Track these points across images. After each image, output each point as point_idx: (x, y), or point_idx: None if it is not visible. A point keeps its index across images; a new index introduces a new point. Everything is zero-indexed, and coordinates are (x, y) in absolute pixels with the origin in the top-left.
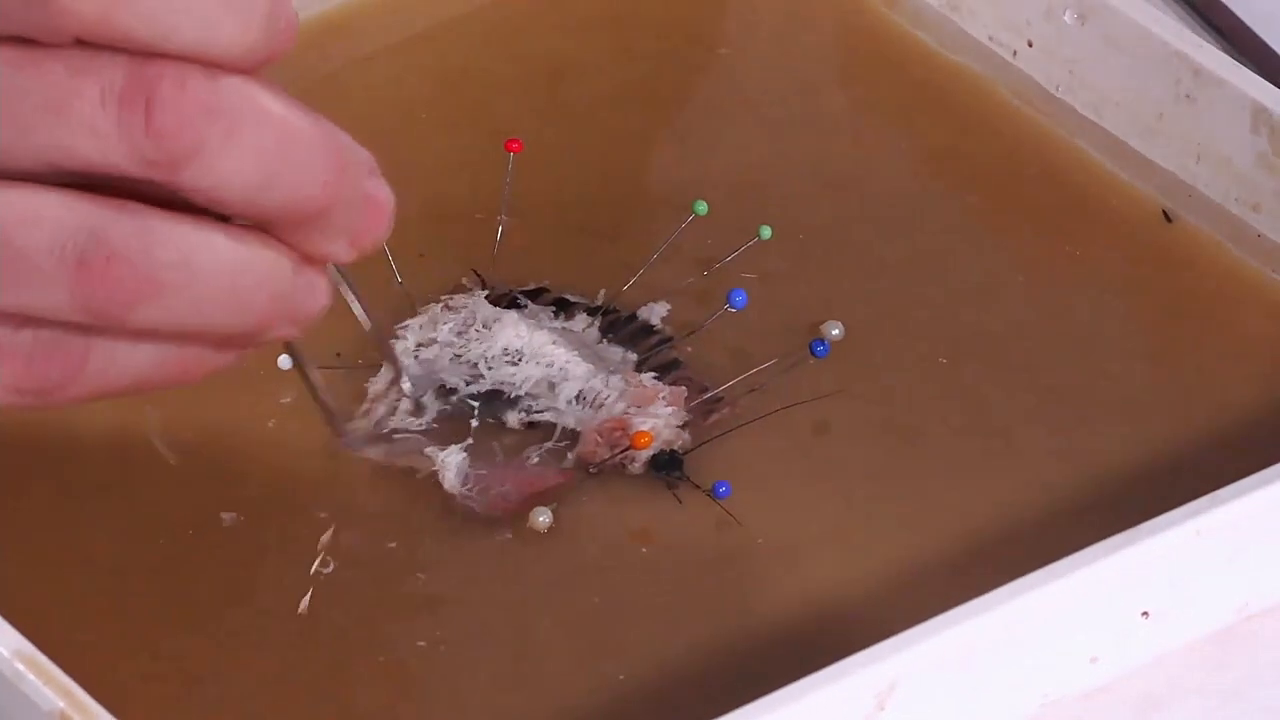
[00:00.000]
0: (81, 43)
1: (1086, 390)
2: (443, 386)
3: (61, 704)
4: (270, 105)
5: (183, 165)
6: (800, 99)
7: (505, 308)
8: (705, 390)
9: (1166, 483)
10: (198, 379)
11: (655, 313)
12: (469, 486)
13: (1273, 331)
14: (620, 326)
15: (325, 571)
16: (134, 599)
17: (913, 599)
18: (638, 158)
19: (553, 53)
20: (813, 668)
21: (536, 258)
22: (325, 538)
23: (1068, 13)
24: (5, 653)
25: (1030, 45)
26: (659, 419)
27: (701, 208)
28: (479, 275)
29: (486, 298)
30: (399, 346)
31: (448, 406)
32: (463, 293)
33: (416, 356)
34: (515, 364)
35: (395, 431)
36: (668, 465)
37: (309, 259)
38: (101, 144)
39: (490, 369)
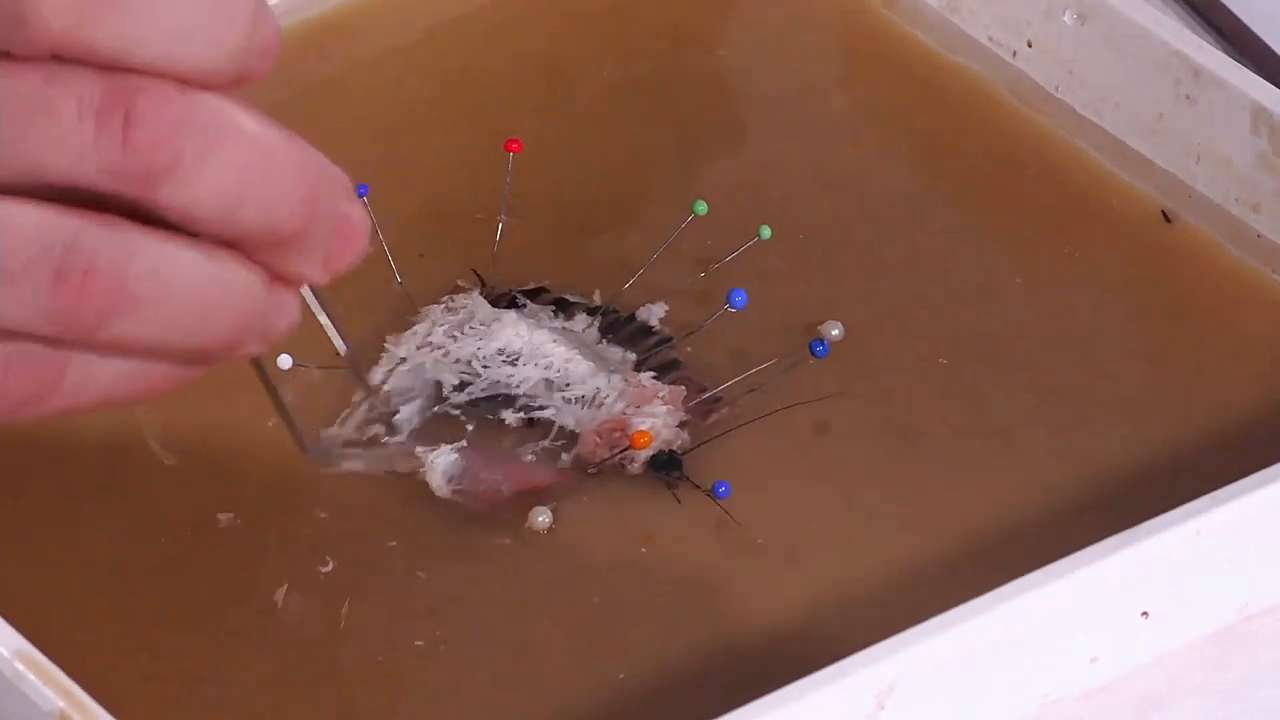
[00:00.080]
0: (58, 58)
1: (1086, 390)
2: (438, 387)
3: (61, 704)
4: (247, 123)
5: (158, 181)
6: (800, 99)
7: (505, 308)
8: (705, 390)
9: (1166, 483)
10: (164, 394)
11: (654, 313)
12: (458, 479)
13: (1273, 331)
14: (620, 326)
15: (326, 571)
16: (134, 599)
17: (913, 599)
18: (638, 158)
19: (553, 53)
20: (813, 668)
21: (536, 258)
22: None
23: (1067, 13)
24: (5, 653)
25: (1030, 45)
26: (656, 418)
27: (701, 208)
28: (479, 275)
29: (486, 298)
30: (385, 358)
31: (440, 409)
32: (461, 294)
33: (400, 367)
34: (513, 364)
35: (372, 440)
36: (667, 465)
37: (281, 278)
38: (77, 157)
39: (486, 368)
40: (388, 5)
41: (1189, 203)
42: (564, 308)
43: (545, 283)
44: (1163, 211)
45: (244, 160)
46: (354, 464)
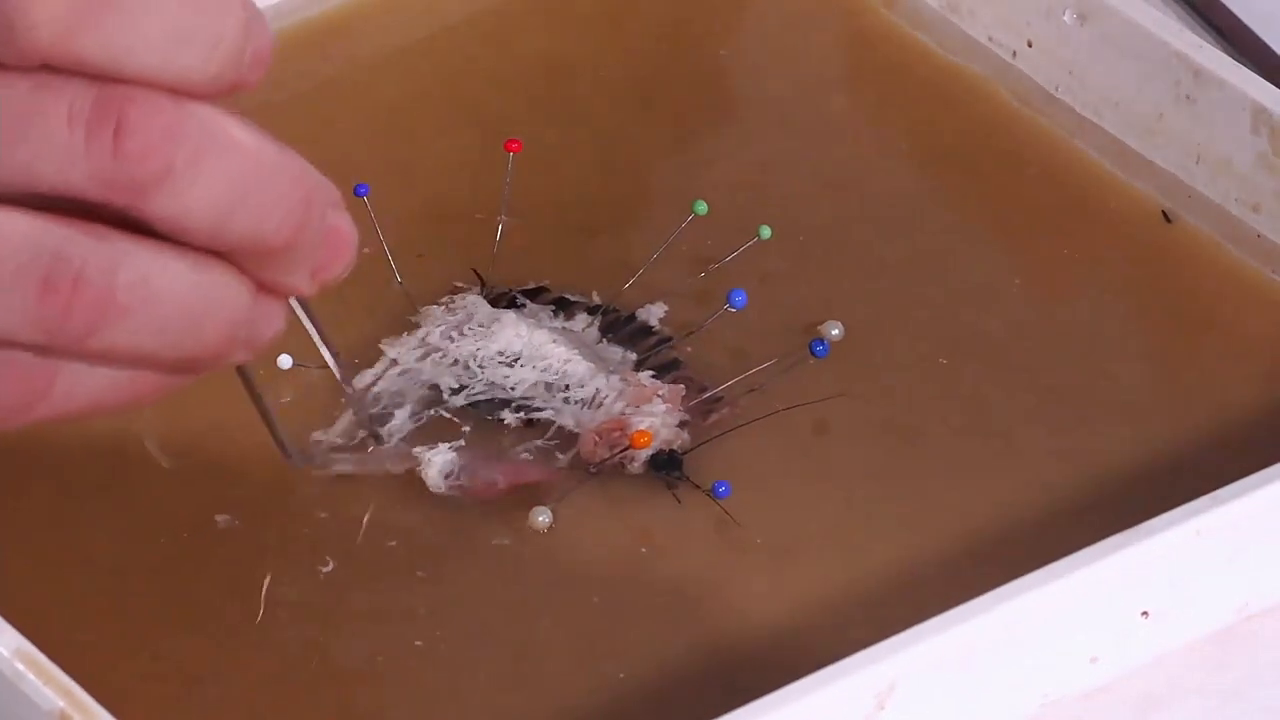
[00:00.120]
0: (49, 68)
1: (1086, 390)
2: (436, 390)
3: (61, 704)
4: (238, 134)
5: (148, 190)
6: (800, 99)
7: (505, 308)
8: (705, 390)
9: (1166, 483)
10: (153, 401)
11: (654, 313)
12: (453, 477)
13: (1273, 331)
14: (620, 326)
15: (326, 571)
16: (134, 599)
17: (912, 599)
18: (638, 158)
19: (552, 53)
20: (813, 667)
21: (536, 258)
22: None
23: (1067, 13)
24: (5, 653)
25: (1030, 46)
26: (655, 417)
27: (701, 208)
28: (479, 275)
29: (486, 297)
30: (379, 362)
31: (436, 410)
32: (460, 294)
33: (391, 370)
34: (511, 366)
35: (361, 445)
36: (667, 465)
37: (269, 289)
38: (67, 166)
39: (483, 369)
40: (388, 5)
41: (1189, 203)
42: (564, 307)
43: (545, 283)
44: (1163, 211)
45: (234, 171)
46: (343, 467)
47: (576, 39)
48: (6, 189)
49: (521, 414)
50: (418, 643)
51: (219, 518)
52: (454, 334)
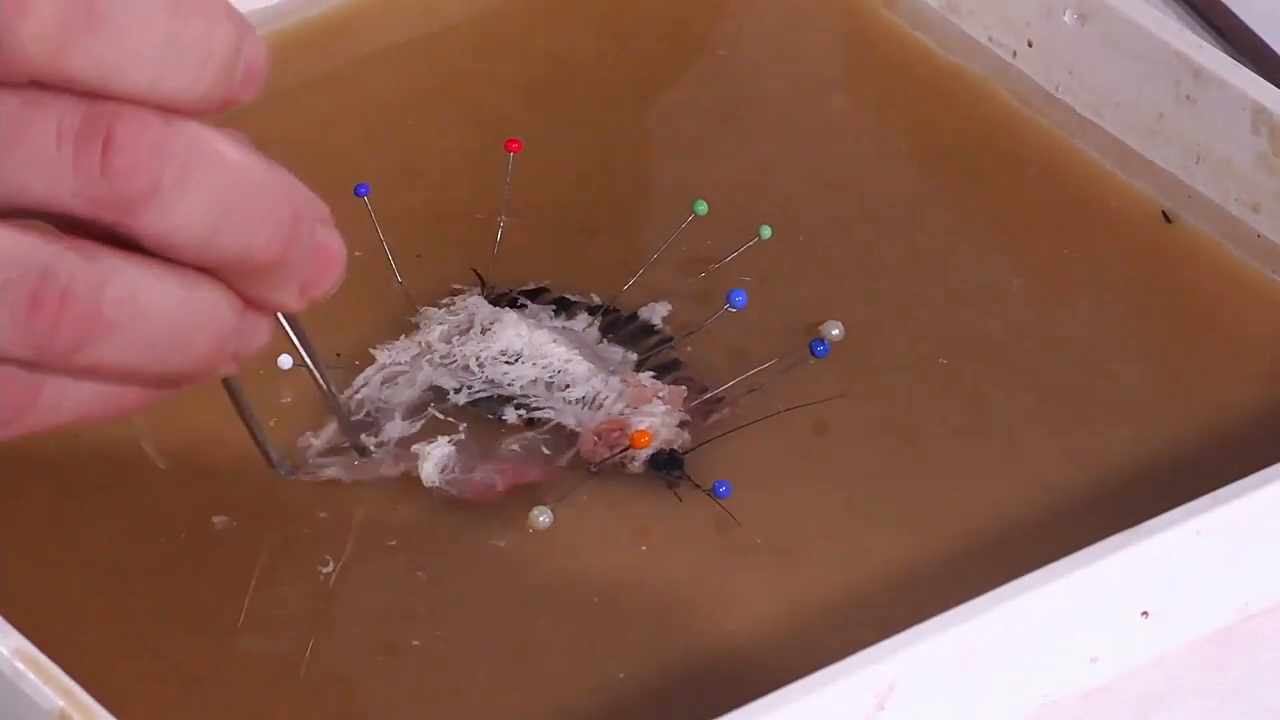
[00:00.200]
0: (38, 84)
1: (1086, 390)
2: (437, 391)
3: (61, 704)
4: (227, 151)
5: (136, 207)
6: (800, 99)
7: (505, 308)
8: (705, 390)
9: (1166, 483)
10: (138, 411)
11: (656, 313)
12: (448, 474)
13: (1273, 331)
14: (620, 326)
15: (326, 571)
16: (134, 599)
17: (913, 599)
18: (638, 158)
19: (552, 53)
20: (813, 667)
21: (536, 258)
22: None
23: (1068, 13)
24: (5, 653)
25: (1030, 45)
26: (654, 417)
27: (701, 208)
28: (479, 275)
29: (486, 297)
30: (371, 367)
31: (432, 410)
32: (460, 294)
33: (383, 373)
34: (511, 364)
35: (347, 451)
36: (668, 464)
37: (257, 305)
38: (55, 182)
39: (483, 367)
40: (388, 5)
41: (1189, 203)
42: (565, 307)
43: (545, 283)
44: (1163, 211)
45: (222, 188)
46: (333, 473)
47: (576, 39)
48: None
49: (522, 412)
50: (417, 642)
51: (216, 519)
52: (454, 335)
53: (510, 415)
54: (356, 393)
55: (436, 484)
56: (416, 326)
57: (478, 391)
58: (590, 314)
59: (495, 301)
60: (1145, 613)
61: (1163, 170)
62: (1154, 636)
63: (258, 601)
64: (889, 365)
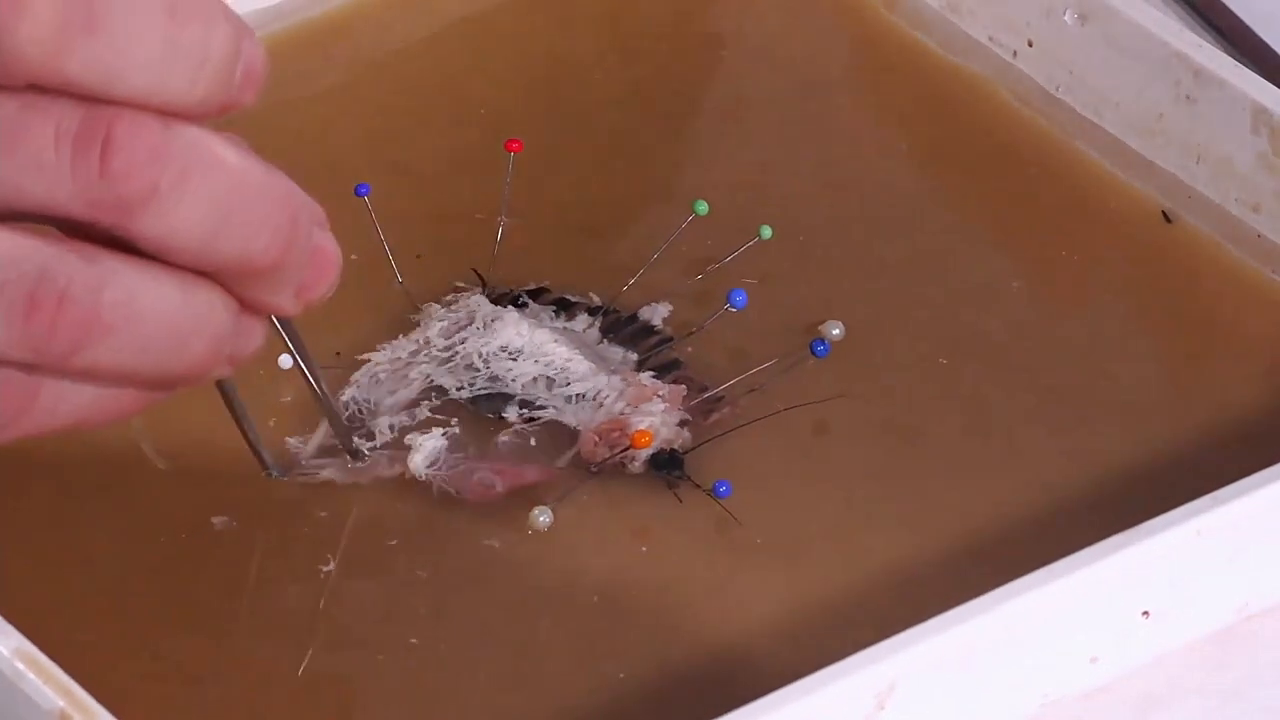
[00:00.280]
0: (37, 88)
1: (1086, 390)
2: (438, 390)
3: (61, 703)
4: (225, 155)
5: (135, 210)
6: (800, 99)
7: (507, 306)
8: (705, 390)
9: (1166, 483)
10: (135, 414)
11: (657, 313)
12: (440, 468)
13: (1273, 331)
14: (621, 327)
15: (326, 570)
16: (134, 599)
17: (913, 599)
18: (638, 158)
19: (553, 53)
20: (813, 668)
21: (536, 258)
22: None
23: (1068, 13)
24: (5, 652)
25: (1030, 45)
26: (655, 417)
27: (701, 208)
28: (479, 275)
29: (488, 297)
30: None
31: (428, 407)
32: (461, 294)
33: (380, 371)
34: (514, 360)
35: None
36: (668, 464)
37: (253, 308)
38: (53, 185)
39: (487, 364)
40: (389, 6)
41: (1189, 203)
42: (565, 308)
43: (546, 283)
44: (1163, 211)
45: (221, 191)
46: (327, 474)
47: (576, 39)
48: None
49: (524, 411)
50: (416, 642)
51: (216, 519)
52: (455, 332)
53: (512, 414)
54: (348, 391)
55: (424, 476)
56: (417, 326)
57: (480, 389)
58: (590, 314)
59: (497, 301)
60: (1145, 613)
61: (1163, 170)
62: (1154, 636)
63: (258, 601)
64: (889, 365)
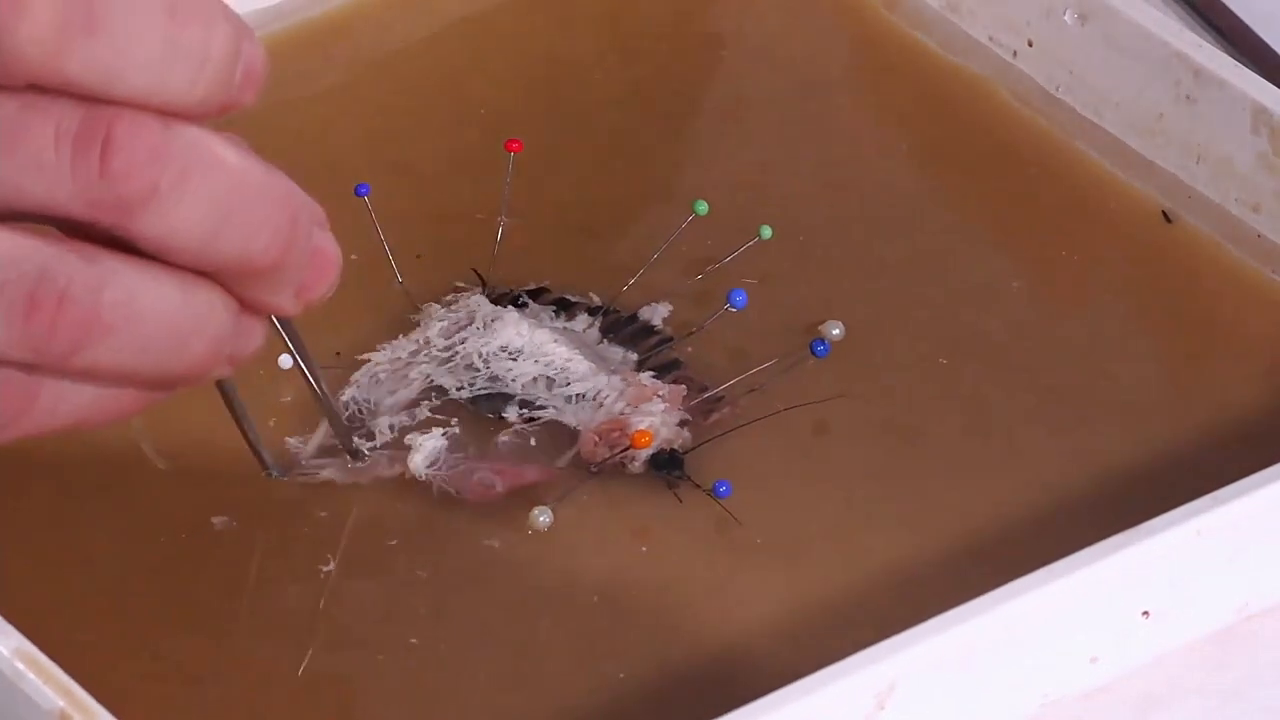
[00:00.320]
0: (37, 88)
1: (1086, 390)
2: (438, 390)
3: (61, 704)
4: (226, 155)
5: (135, 210)
6: (800, 99)
7: (508, 307)
8: (705, 390)
9: (1166, 483)
10: (135, 414)
11: (657, 313)
12: (439, 467)
13: (1273, 331)
14: (621, 327)
15: (326, 570)
16: (134, 599)
17: (913, 599)
18: (638, 158)
19: (553, 53)
20: (812, 668)
21: (536, 258)
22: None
23: (1068, 13)
24: (5, 652)
25: (1030, 45)
26: (654, 416)
27: (701, 208)
28: (479, 275)
29: (488, 297)
30: (365, 367)
31: (425, 407)
32: (461, 294)
33: (378, 371)
34: (514, 359)
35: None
36: (668, 464)
37: (253, 308)
38: (53, 185)
39: (487, 364)
40: (389, 6)
41: (1189, 203)
42: (565, 308)
43: (546, 283)
44: (1163, 211)
45: (221, 191)
46: (327, 474)
47: (576, 39)
48: None
49: (524, 411)
50: (416, 642)
51: (216, 519)
52: (455, 332)
53: (512, 414)
54: (348, 391)
55: (423, 476)
56: (417, 326)
57: (480, 389)
58: (590, 314)
59: (497, 301)
60: (1145, 613)
61: (1163, 170)
62: (1154, 636)
63: (257, 601)
64: (889, 365)
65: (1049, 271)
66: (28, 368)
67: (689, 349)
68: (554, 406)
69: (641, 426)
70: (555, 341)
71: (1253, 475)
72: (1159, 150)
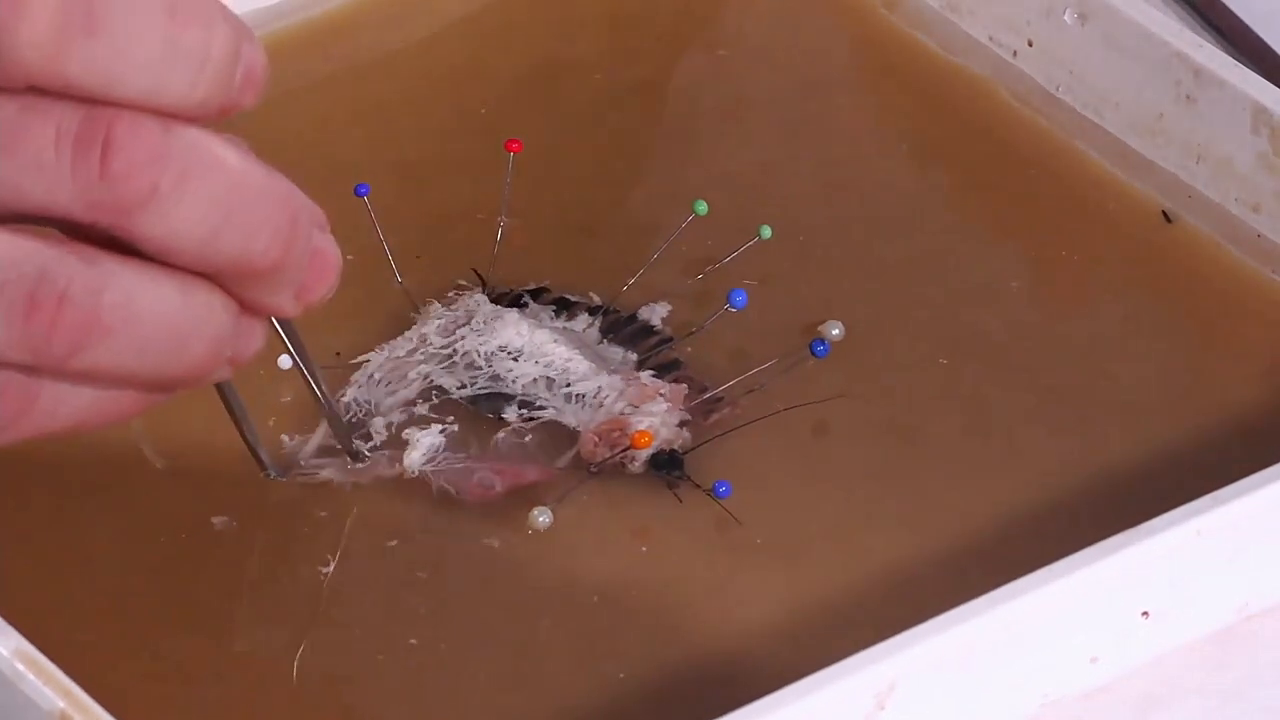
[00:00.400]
0: (36, 89)
1: (1086, 390)
2: (437, 389)
3: (61, 704)
4: (226, 157)
5: (135, 212)
6: (800, 99)
7: (508, 306)
8: (705, 390)
9: (1166, 483)
10: (135, 416)
11: (656, 313)
12: (436, 464)
13: (1273, 331)
14: (621, 327)
15: (326, 571)
16: (134, 599)
17: (912, 599)
18: (638, 158)
19: (552, 53)
20: (813, 668)
21: (536, 258)
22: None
23: (1068, 13)
24: (5, 653)
25: (1030, 45)
26: (655, 416)
27: (701, 208)
28: (479, 275)
29: (488, 297)
30: (364, 368)
31: (423, 407)
32: (461, 294)
33: (376, 372)
34: (514, 360)
35: (339, 452)
36: (668, 464)
37: (252, 309)
38: (53, 186)
39: (489, 363)
40: (388, 5)
41: (1189, 203)
42: (565, 308)
43: (546, 283)
44: (1163, 211)
45: (221, 193)
46: (327, 474)
47: (576, 39)
48: None
49: (524, 411)
50: (416, 642)
51: (215, 519)
52: (454, 330)
53: (511, 414)
54: (348, 392)
55: (418, 472)
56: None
57: (480, 389)
58: (590, 314)
59: (497, 301)
60: (1145, 613)
61: (1163, 170)
62: (1154, 636)
63: (257, 601)
64: (889, 365)
65: (1049, 271)
66: (27, 369)
67: (689, 349)
68: (554, 406)
69: (641, 427)
70: (555, 341)
71: (1253, 475)
72: (1159, 150)
